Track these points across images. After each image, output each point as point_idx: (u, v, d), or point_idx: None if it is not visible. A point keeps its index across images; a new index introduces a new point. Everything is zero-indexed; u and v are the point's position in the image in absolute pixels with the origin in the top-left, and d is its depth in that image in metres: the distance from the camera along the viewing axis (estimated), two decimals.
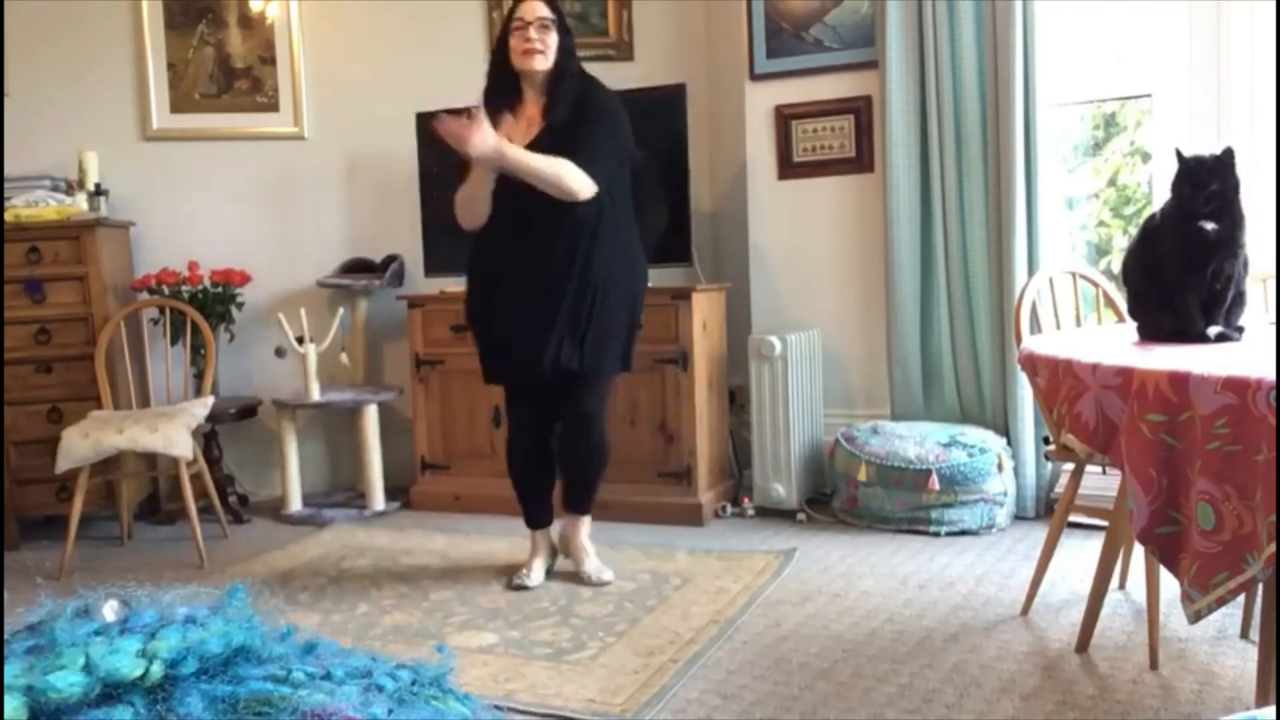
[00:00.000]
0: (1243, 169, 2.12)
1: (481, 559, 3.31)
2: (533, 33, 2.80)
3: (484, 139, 2.69)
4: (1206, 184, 2.07)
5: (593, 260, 2.83)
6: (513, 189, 2.81)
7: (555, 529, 3.13)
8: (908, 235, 3.62)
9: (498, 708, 2.09)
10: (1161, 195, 3.36)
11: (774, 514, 3.66)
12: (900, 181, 3.61)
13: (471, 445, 3.95)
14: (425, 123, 4.02)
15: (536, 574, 3.03)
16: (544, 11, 2.83)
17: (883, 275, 3.71)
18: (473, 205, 2.92)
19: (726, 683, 2.28)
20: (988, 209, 3.53)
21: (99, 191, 4.02)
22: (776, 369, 3.57)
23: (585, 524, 3.10)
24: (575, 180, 2.76)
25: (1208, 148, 2.19)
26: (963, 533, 3.34)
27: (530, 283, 2.84)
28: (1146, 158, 3.65)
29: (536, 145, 2.80)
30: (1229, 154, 2.09)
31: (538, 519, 3.09)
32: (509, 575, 3.07)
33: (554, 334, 2.81)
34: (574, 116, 2.83)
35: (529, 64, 2.82)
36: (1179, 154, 2.14)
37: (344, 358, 4.18)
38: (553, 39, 2.83)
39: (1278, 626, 1.82)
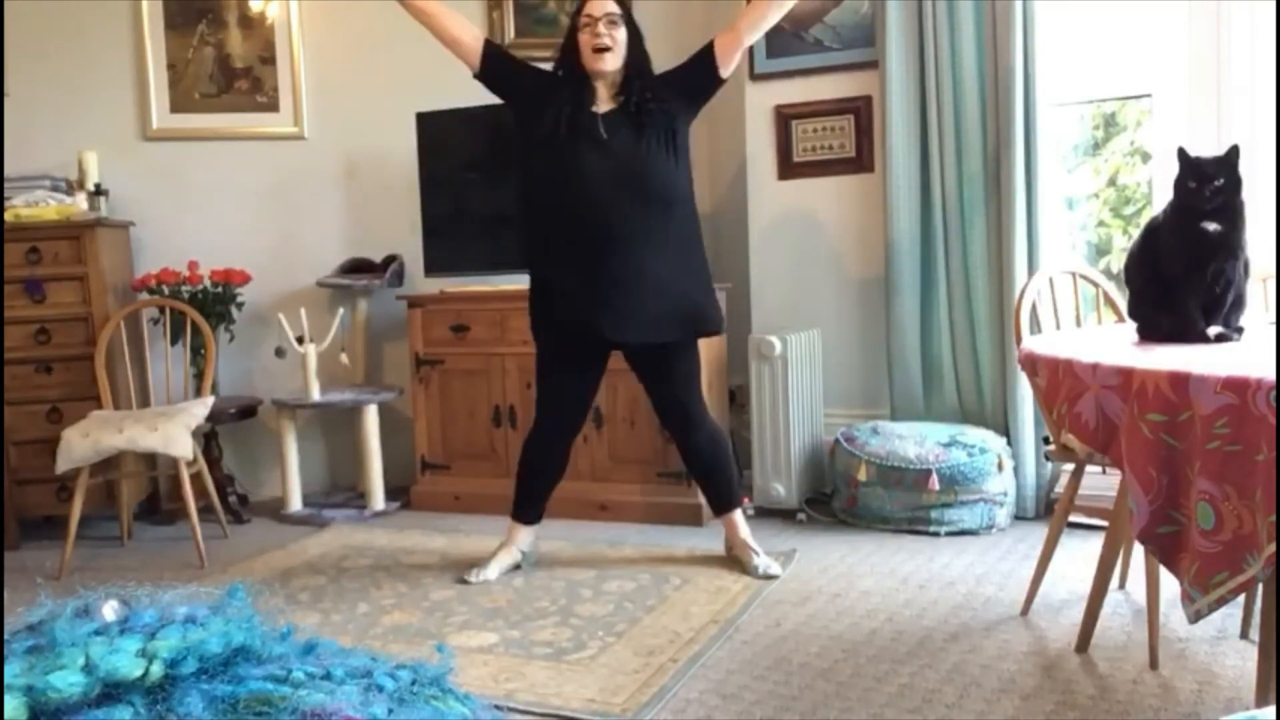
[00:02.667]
0: (1243, 169, 2.12)
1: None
2: (602, 28, 2.77)
3: None
4: (1212, 179, 2.07)
5: (683, 234, 2.86)
6: (617, 203, 2.78)
7: (527, 538, 3.14)
8: (908, 235, 3.62)
9: (498, 708, 2.09)
10: (1162, 195, 3.37)
11: (774, 514, 3.66)
12: (900, 181, 3.61)
13: (471, 445, 3.95)
14: (425, 123, 4.04)
15: (493, 570, 3.03)
16: (612, 7, 2.79)
17: (883, 275, 3.71)
18: (446, 25, 2.93)
19: (726, 683, 2.28)
20: (988, 209, 3.53)
21: (99, 191, 4.02)
22: (776, 369, 3.57)
23: (739, 519, 3.08)
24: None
25: (1208, 148, 2.19)
26: (963, 533, 3.34)
27: (621, 240, 2.78)
28: (1146, 158, 3.65)
29: (611, 122, 2.79)
30: (1234, 152, 2.09)
31: (530, 515, 3.10)
32: (471, 566, 3.07)
33: (648, 297, 2.80)
34: (665, 110, 2.81)
35: (599, 63, 2.78)
36: (1182, 152, 2.14)
37: (344, 358, 4.18)
38: (622, 34, 2.80)
39: (1278, 626, 1.81)
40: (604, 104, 2.85)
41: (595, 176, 2.78)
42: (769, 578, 2.95)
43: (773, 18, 2.88)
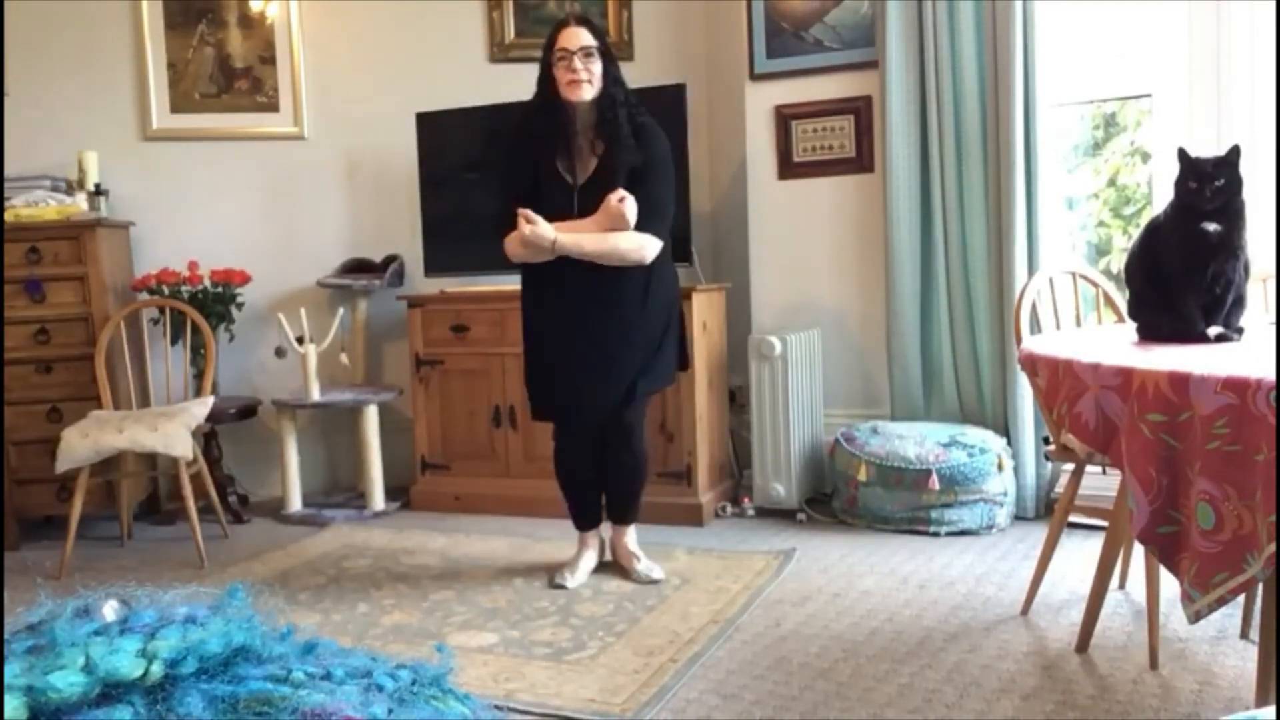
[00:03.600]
0: (1243, 169, 2.12)
1: (481, 559, 3.31)
2: (577, 62, 2.74)
3: (541, 237, 2.72)
4: (1213, 179, 2.07)
5: (652, 296, 2.86)
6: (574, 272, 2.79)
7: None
8: (908, 235, 3.62)
9: (498, 708, 2.09)
10: (1162, 195, 3.37)
11: (774, 514, 3.66)
12: (900, 181, 3.61)
13: (471, 445, 3.95)
14: (425, 123, 4.05)
15: (580, 575, 3.03)
16: (587, 39, 2.76)
17: (883, 275, 3.71)
18: (525, 258, 2.86)
19: (726, 683, 2.28)
20: (988, 209, 3.53)
21: (99, 191, 4.02)
22: (776, 369, 3.57)
23: (630, 533, 3.11)
24: (640, 251, 2.78)
25: (1208, 148, 2.19)
26: (963, 533, 3.34)
27: (597, 329, 2.82)
28: (1146, 158, 3.65)
29: (591, 185, 2.78)
30: (1235, 152, 2.10)
31: (586, 522, 3.10)
32: (549, 572, 3.07)
33: (623, 376, 2.84)
34: (635, 164, 2.79)
35: (576, 94, 2.75)
36: (1183, 152, 2.14)
37: (344, 358, 4.18)
38: (598, 67, 2.76)
39: (1278, 626, 1.82)
40: (582, 163, 2.83)
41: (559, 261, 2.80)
42: (651, 581, 2.97)
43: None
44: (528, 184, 2.85)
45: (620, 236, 2.75)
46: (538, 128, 2.84)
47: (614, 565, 3.12)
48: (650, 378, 2.92)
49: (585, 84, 2.75)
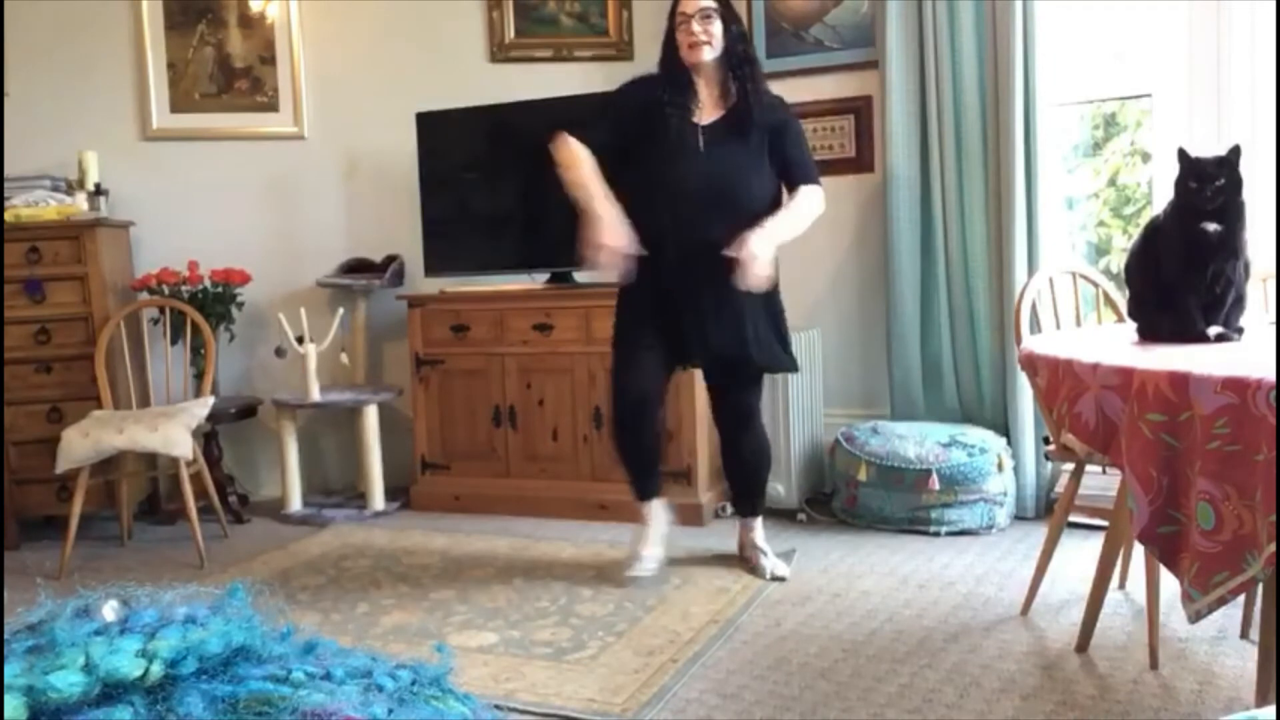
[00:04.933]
0: (1243, 169, 2.12)
1: (481, 559, 3.31)
2: (695, 25, 2.79)
3: (760, 267, 2.67)
4: (1214, 178, 2.07)
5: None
6: (696, 183, 2.78)
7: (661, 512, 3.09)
8: (908, 235, 3.62)
9: (498, 707, 2.09)
10: (1162, 195, 3.37)
11: (774, 514, 3.65)
12: (900, 181, 3.61)
13: (471, 445, 3.95)
14: (425, 123, 4.05)
15: (650, 560, 2.98)
16: (706, 2, 2.81)
17: (883, 275, 3.71)
18: (571, 185, 2.84)
19: (726, 683, 2.28)
20: (988, 209, 3.53)
21: (99, 191, 4.02)
22: None
23: (758, 525, 3.09)
24: (818, 208, 2.85)
25: (1208, 148, 2.19)
26: (963, 533, 3.34)
27: (718, 263, 2.74)
28: (1146, 158, 3.65)
29: (718, 130, 2.81)
30: (1235, 152, 2.09)
31: (649, 487, 3.02)
32: (624, 564, 3.00)
33: (746, 322, 2.82)
34: (774, 124, 2.84)
35: (696, 56, 2.80)
36: (1183, 152, 2.14)
37: (344, 358, 4.18)
38: (717, 27, 2.82)
39: (1278, 626, 1.82)
40: (707, 110, 2.86)
41: (687, 191, 2.79)
42: (777, 579, 2.96)
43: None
44: (625, 138, 2.86)
45: (804, 204, 2.83)
46: (672, 97, 2.84)
47: (740, 560, 3.11)
48: (780, 351, 2.91)
49: (705, 45, 2.80)
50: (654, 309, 2.88)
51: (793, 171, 2.87)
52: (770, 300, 2.89)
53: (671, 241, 2.81)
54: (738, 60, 2.84)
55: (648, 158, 2.85)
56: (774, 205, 2.86)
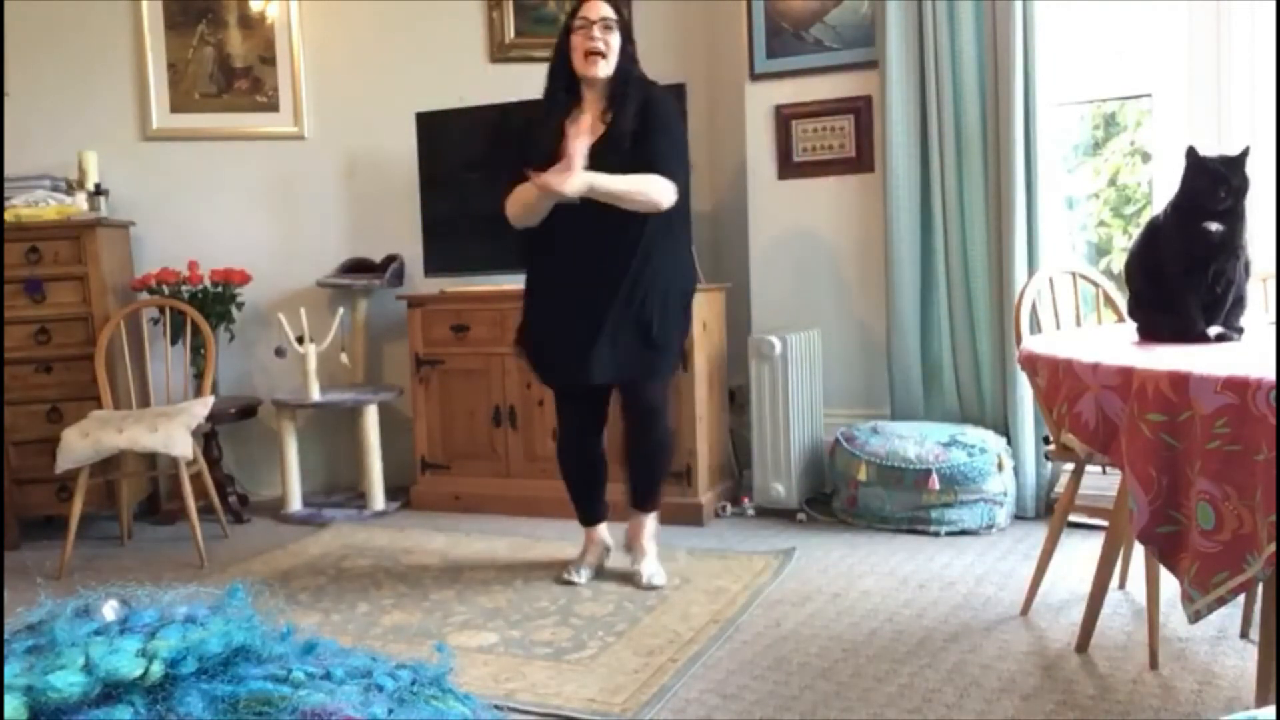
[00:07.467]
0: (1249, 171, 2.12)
1: (481, 559, 3.31)
2: (596, 32, 2.77)
3: (578, 177, 2.66)
4: (1226, 179, 2.07)
5: (649, 268, 2.81)
6: (576, 202, 2.76)
7: (605, 531, 3.12)
8: (908, 235, 3.62)
9: (498, 708, 2.09)
10: (1162, 195, 3.37)
11: (774, 514, 3.66)
12: (900, 181, 3.61)
13: (471, 445, 3.95)
14: (425, 123, 4.05)
15: (585, 572, 3.03)
16: (607, 11, 2.79)
17: (883, 275, 3.71)
18: (529, 214, 2.85)
19: (726, 683, 2.28)
20: (988, 209, 3.53)
21: (99, 191, 4.02)
22: (776, 369, 3.57)
23: (650, 522, 3.07)
24: (660, 193, 2.74)
25: (1208, 148, 2.19)
26: (963, 533, 3.33)
27: (589, 290, 2.80)
28: (1146, 158, 3.65)
29: (599, 152, 2.75)
30: (1245, 153, 2.09)
31: (590, 516, 3.09)
32: (558, 570, 3.07)
33: (605, 342, 2.79)
34: (640, 125, 2.79)
35: (591, 68, 2.77)
36: (1192, 152, 2.13)
37: (344, 358, 4.18)
38: (615, 40, 2.80)
39: (1278, 626, 1.81)
40: (593, 128, 2.80)
41: (571, 215, 2.77)
42: (652, 587, 2.93)
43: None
44: (538, 161, 2.83)
45: (647, 178, 2.74)
46: (557, 98, 2.85)
47: (617, 569, 3.09)
48: (648, 363, 2.87)
49: (600, 59, 2.77)
50: (547, 358, 2.92)
51: (651, 160, 2.76)
52: (643, 311, 2.83)
53: (561, 272, 2.84)
54: (623, 78, 2.80)
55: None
56: (664, 222, 2.81)
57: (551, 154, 2.72)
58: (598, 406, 2.99)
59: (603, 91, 2.82)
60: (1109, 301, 2.89)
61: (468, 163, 4.00)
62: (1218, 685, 2.15)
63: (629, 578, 3.00)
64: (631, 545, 3.07)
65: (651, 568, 3.00)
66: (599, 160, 2.73)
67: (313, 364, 3.97)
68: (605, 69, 2.78)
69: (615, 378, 2.86)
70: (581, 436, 3.01)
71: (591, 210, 2.73)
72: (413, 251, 4.18)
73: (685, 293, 2.97)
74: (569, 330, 2.84)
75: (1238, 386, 1.65)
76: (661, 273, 2.84)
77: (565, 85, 2.84)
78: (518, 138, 2.99)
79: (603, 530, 3.11)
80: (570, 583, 2.98)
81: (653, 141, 2.78)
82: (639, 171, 2.74)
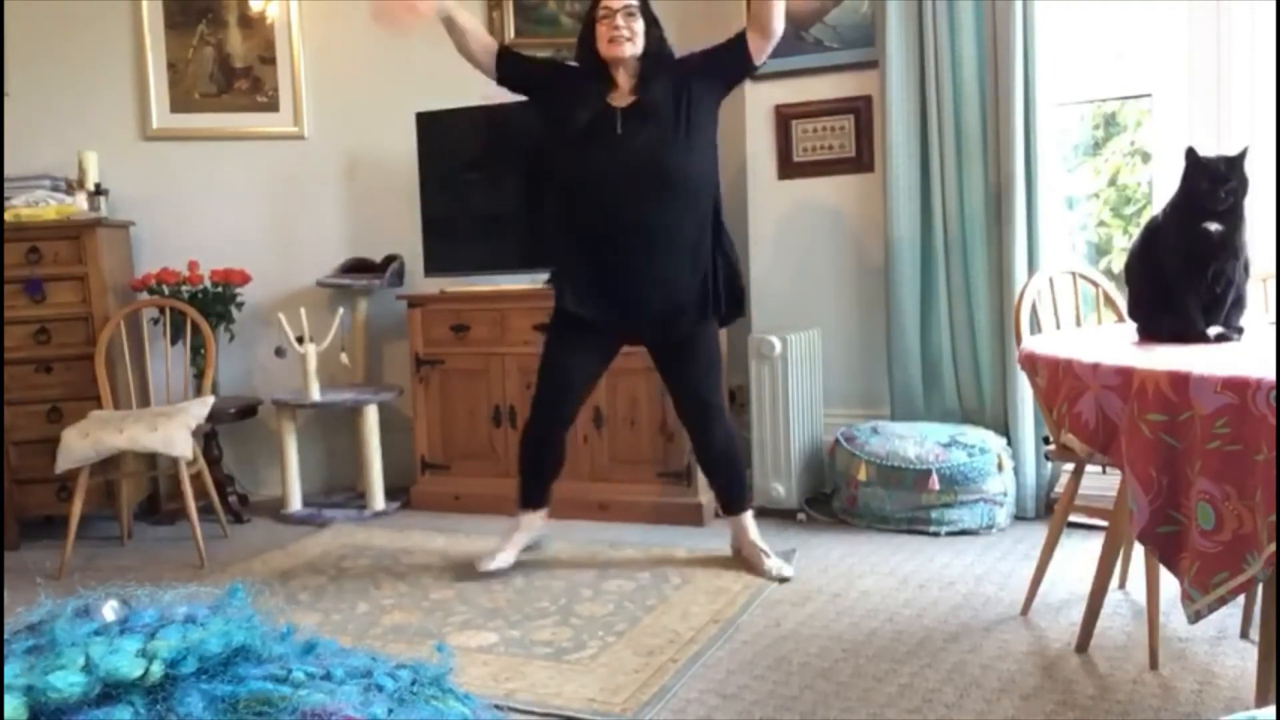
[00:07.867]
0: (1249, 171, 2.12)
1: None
2: (619, 20, 2.82)
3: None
4: (1226, 180, 2.07)
5: (718, 249, 2.96)
6: (616, 165, 2.84)
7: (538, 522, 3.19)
8: (908, 235, 3.62)
9: (498, 707, 2.09)
10: (1162, 195, 3.36)
11: (774, 514, 3.65)
12: (900, 181, 3.61)
13: (471, 445, 3.95)
14: (425, 123, 4.04)
15: (504, 561, 3.06)
16: None
17: (883, 275, 3.71)
18: (470, 44, 2.97)
19: (726, 683, 2.28)
20: (988, 209, 3.53)
21: (99, 191, 4.02)
22: (776, 369, 3.57)
23: (749, 522, 3.09)
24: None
25: (1208, 148, 2.19)
26: (963, 533, 3.33)
27: (649, 256, 2.87)
28: (1146, 158, 3.65)
29: (631, 119, 2.84)
30: (1244, 153, 2.09)
31: (535, 499, 3.13)
32: (480, 558, 3.10)
33: (661, 292, 2.88)
34: (681, 82, 2.89)
35: (617, 51, 2.83)
36: (1192, 152, 2.13)
37: (344, 358, 4.18)
38: (639, 25, 2.85)
39: (1278, 626, 1.81)
40: (624, 97, 2.89)
41: (609, 173, 2.86)
42: (783, 580, 2.95)
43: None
44: (534, 85, 3.00)
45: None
46: (577, 80, 2.93)
47: (739, 561, 3.09)
48: (704, 305, 2.94)
49: (626, 41, 2.83)
50: (588, 293, 2.93)
51: (722, 45, 2.95)
52: (700, 260, 2.93)
53: (601, 227, 2.89)
54: (653, 59, 2.88)
55: (566, 147, 2.91)
56: (707, 179, 2.91)
57: (581, 126, 2.85)
58: (581, 389, 3.01)
59: (634, 70, 2.89)
60: (1109, 301, 2.89)
61: (468, 163, 4.00)
62: (1218, 685, 2.15)
63: (752, 569, 3.01)
64: (743, 550, 3.08)
65: (773, 562, 3.01)
66: (634, 129, 2.84)
67: (313, 364, 3.97)
68: (631, 50, 2.84)
69: (664, 314, 2.90)
70: (553, 416, 3.02)
71: (639, 165, 2.83)
72: (413, 251, 4.18)
73: (741, 288, 3.05)
74: (629, 272, 2.88)
75: (1238, 386, 1.65)
76: (728, 257, 2.98)
77: (596, 71, 2.89)
78: (554, 65, 3.12)
79: (540, 516, 3.16)
80: (487, 573, 3.02)
81: (713, 54, 2.95)
82: (688, 127, 2.86)
